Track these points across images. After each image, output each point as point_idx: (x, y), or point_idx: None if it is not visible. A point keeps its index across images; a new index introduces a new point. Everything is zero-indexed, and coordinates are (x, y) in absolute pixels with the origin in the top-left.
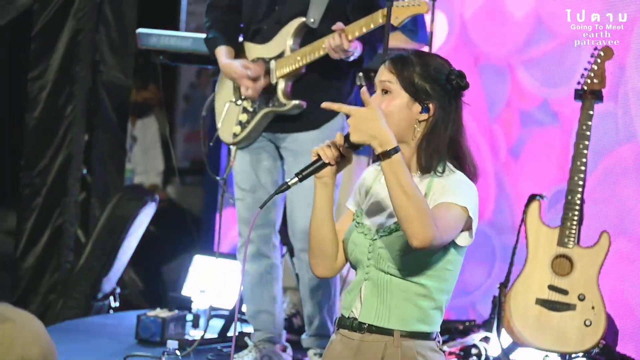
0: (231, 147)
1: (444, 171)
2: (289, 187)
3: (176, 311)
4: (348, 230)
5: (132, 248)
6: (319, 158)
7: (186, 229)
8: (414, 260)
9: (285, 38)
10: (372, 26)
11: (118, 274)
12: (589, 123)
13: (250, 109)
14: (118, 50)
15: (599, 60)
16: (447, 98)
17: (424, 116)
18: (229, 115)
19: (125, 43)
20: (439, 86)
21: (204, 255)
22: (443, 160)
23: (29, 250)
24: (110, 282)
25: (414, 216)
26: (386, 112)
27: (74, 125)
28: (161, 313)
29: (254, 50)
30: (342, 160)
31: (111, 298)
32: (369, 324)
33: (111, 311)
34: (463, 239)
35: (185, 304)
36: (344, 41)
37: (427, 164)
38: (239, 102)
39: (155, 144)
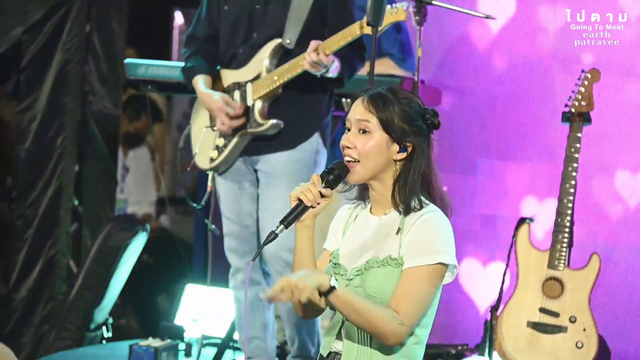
0: (209, 172)
1: (419, 206)
2: (276, 235)
3: (168, 340)
4: (327, 271)
5: (124, 278)
6: (300, 202)
7: (178, 258)
8: (385, 290)
9: (261, 60)
10: (349, 38)
11: (110, 304)
12: (577, 145)
13: (228, 132)
14: (107, 81)
15: (586, 83)
16: (423, 137)
17: (402, 155)
18: (205, 140)
19: (115, 73)
20: (416, 127)
21: (196, 284)
22: (417, 196)
23: (21, 282)
24: (102, 312)
25: (378, 329)
26: (364, 152)
27: (65, 156)
28: (153, 342)
29: (229, 76)
30: (322, 201)
31: (104, 328)
32: None
33: (104, 341)
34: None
35: (177, 333)
36: (322, 56)
37: (406, 204)
38: (215, 127)
39: (147, 174)
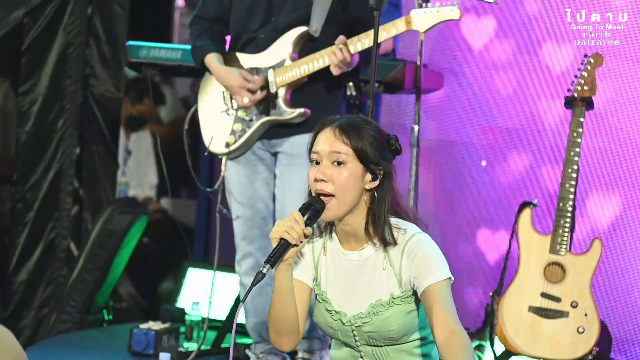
0: (222, 157)
1: (392, 237)
2: (264, 275)
3: (169, 323)
4: (319, 313)
5: (125, 261)
6: (283, 240)
7: (180, 241)
8: (405, 330)
9: (285, 46)
10: (394, 33)
11: (111, 287)
12: (580, 130)
13: (247, 118)
14: (109, 64)
15: (589, 67)
16: (390, 163)
17: (374, 184)
18: (218, 125)
19: (116, 56)
20: (385, 153)
21: (197, 268)
22: (389, 224)
23: (21, 265)
24: (103, 295)
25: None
26: (341, 185)
27: (66, 139)
28: (154, 325)
29: (246, 60)
30: (304, 239)
31: (104, 311)
32: None
33: (104, 325)
34: None
35: (179, 316)
36: (346, 54)
37: (382, 236)
38: (231, 111)
39: (148, 157)
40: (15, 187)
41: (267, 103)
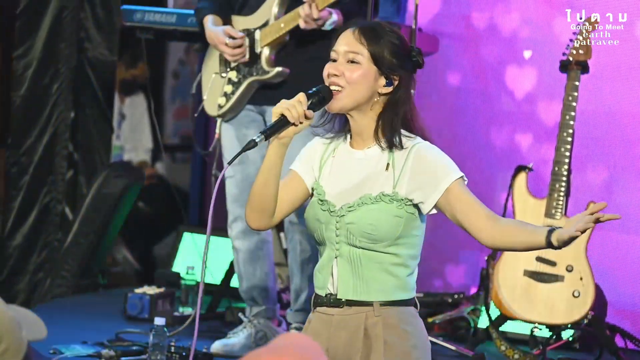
0: (217, 119)
1: (401, 142)
2: (256, 144)
3: (164, 288)
4: (310, 207)
5: (120, 225)
6: (283, 117)
7: (175, 205)
8: (384, 231)
9: (270, 7)
10: None
11: (106, 252)
12: (575, 94)
13: (235, 80)
14: (103, 27)
15: (584, 31)
16: (409, 74)
17: (388, 89)
18: (214, 87)
19: (111, 20)
20: (403, 62)
21: (192, 232)
22: (399, 133)
23: (16, 229)
24: (98, 259)
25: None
26: (352, 80)
27: (60, 103)
28: (149, 290)
29: (241, 22)
30: (304, 121)
31: (99, 276)
32: (347, 299)
33: (100, 289)
34: (433, 210)
35: (174, 281)
36: (314, 10)
37: (389, 139)
38: (224, 74)
39: (143, 121)
40: (9, 151)
41: (253, 64)
